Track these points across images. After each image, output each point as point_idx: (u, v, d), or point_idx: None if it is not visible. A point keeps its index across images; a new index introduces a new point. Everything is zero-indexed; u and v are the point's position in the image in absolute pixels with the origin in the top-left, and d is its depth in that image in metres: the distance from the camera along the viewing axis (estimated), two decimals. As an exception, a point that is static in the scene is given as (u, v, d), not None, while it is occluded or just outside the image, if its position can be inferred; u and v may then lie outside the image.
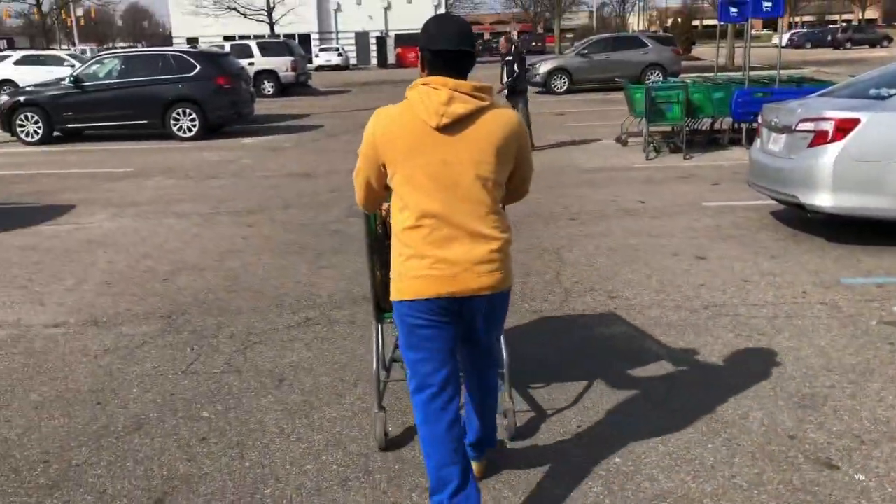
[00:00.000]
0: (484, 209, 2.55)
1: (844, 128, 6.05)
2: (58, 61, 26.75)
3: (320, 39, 53.39)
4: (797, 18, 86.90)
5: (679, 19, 42.05)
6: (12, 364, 4.44)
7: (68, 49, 56.90)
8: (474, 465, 3.03)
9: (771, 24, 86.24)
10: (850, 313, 4.77)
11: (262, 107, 22.39)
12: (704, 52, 49.95)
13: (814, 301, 5.01)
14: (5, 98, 15.36)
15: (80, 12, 70.84)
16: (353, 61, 51.71)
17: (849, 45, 56.73)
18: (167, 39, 58.47)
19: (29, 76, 25.13)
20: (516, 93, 12.48)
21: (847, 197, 6.04)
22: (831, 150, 6.05)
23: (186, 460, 3.31)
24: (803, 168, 6.21)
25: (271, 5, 33.57)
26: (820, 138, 6.15)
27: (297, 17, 40.15)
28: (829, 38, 58.41)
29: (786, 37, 64.18)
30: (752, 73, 13.62)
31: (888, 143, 5.93)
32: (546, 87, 23.37)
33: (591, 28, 64.89)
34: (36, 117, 15.08)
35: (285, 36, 32.95)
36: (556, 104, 20.33)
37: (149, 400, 3.91)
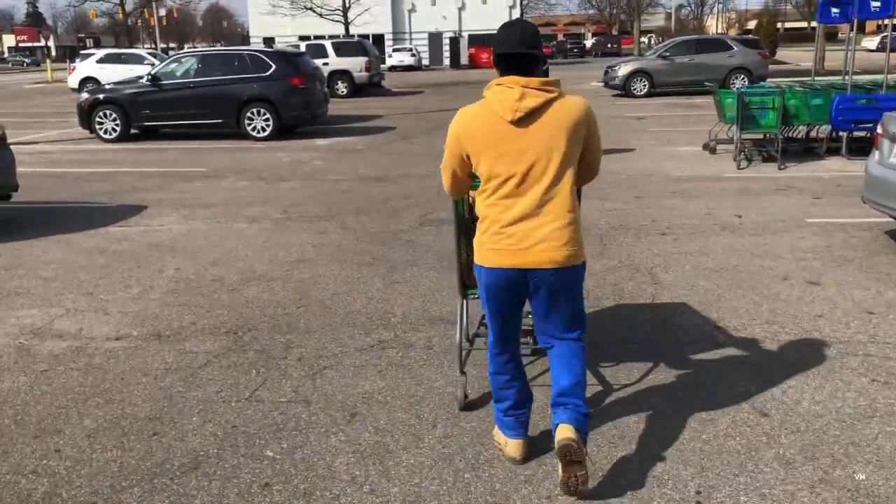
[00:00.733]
0: (554, 190, 2.88)
1: None
2: (138, 59, 27.30)
3: (394, 39, 53.46)
4: (886, 21, 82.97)
5: (762, 21, 40.45)
6: (70, 382, 4.18)
7: (151, 48, 58.50)
8: (562, 427, 2.98)
9: (858, 26, 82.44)
10: None
11: (335, 107, 22.28)
12: (788, 55, 48.08)
13: (955, 341, 4.37)
14: (86, 96, 15.53)
15: (162, 12, 72.80)
16: (425, 62, 51.61)
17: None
18: (245, 39, 59.53)
19: (111, 74, 25.69)
20: None
21: None
22: (969, 167, 5.36)
23: (246, 509, 2.94)
24: (934, 186, 5.53)
25: (347, 5, 33.60)
26: (955, 153, 5.46)
27: (372, 17, 40.20)
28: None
29: (876, 40, 61.35)
30: (844, 79, 12.73)
31: None
32: (625, 89, 22.62)
33: (669, 30, 63.30)
34: (114, 115, 15.19)
35: (360, 36, 32.94)
36: (637, 108, 19.60)
37: (209, 432, 3.57)
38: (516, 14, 55.26)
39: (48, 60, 49.75)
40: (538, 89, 2.86)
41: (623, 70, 22.95)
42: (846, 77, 13.11)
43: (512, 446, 3.22)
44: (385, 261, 6.42)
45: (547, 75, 3.48)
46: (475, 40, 49.26)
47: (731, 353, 4.31)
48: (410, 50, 48.88)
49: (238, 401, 3.88)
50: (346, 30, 34.38)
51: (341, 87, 26.47)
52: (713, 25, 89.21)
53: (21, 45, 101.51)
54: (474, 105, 2.98)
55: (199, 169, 11.78)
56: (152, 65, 24.75)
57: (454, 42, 49.89)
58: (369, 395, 3.91)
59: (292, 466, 3.26)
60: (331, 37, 30.80)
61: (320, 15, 34.21)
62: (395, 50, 49.09)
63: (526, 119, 2.85)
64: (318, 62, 25.82)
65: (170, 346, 4.65)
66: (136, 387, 4.08)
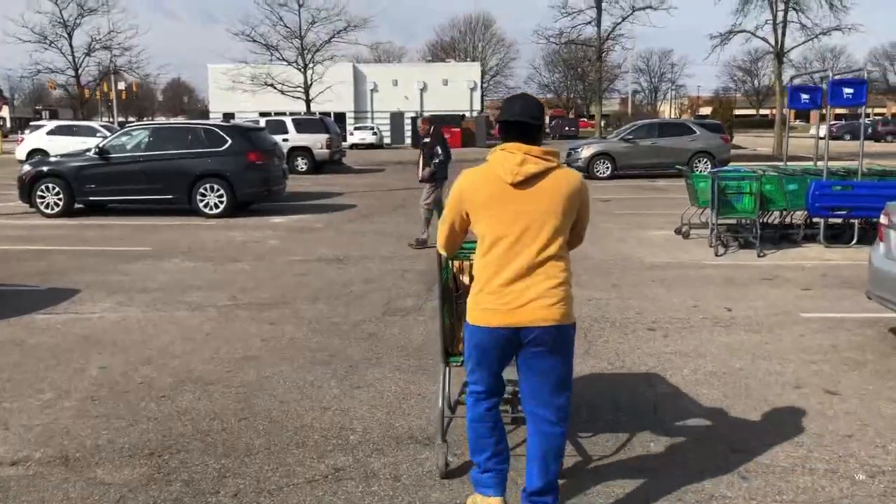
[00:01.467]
0: (547, 252, 2.99)
1: None
2: (91, 132, 26.50)
3: (356, 118, 53.56)
4: (830, 111, 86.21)
5: (718, 107, 41.38)
6: (-60, 526, 3.30)
7: (109, 121, 57.69)
8: None
9: (803, 115, 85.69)
10: None
11: (295, 183, 21.62)
12: (744, 140, 49.18)
13: None
14: (27, 168, 14.68)
15: (121, 86, 72.30)
16: (387, 140, 51.64)
17: (889, 137, 55.83)
18: (204, 114, 59.15)
19: (61, 146, 24.77)
20: (437, 180, 10.90)
21: None
22: None
23: None
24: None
25: (308, 83, 33.41)
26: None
27: (334, 96, 40.10)
28: (870, 130, 57.47)
29: (823, 128, 63.43)
30: (817, 165, 12.53)
31: None
32: (588, 171, 22.44)
33: (626, 114, 64.69)
34: (57, 189, 14.31)
35: (321, 114, 32.66)
36: (601, 190, 19.33)
37: None
38: (477, 96, 55.99)
39: (-1, 132, 48.62)
40: (539, 157, 3.02)
41: (586, 152, 22.84)
42: (817, 163, 12.95)
43: None
44: (344, 359, 5.65)
45: None
46: (437, 120, 49.43)
47: (761, 487, 3.61)
48: (372, 128, 48.90)
49: (153, 556, 3.05)
50: (308, 107, 34.11)
51: (301, 164, 25.93)
52: (667, 110, 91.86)
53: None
54: (479, 167, 3.14)
55: (143, 248, 10.94)
56: (105, 137, 23.96)
57: (415, 122, 50.08)
58: (321, 547, 3.11)
59: None
60: (292, 113, 30.44)
61: (282, 92, 33.94)
62: (356, 128, 49.05)
63: (525, 183, 3.00)
64: (278, 138, 25.43)
65: (77, 473, 3.79)
66: (23, 534, 3.22)
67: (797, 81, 13.72)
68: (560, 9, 31.24)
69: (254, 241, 11.61)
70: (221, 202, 14.34)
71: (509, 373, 3.29)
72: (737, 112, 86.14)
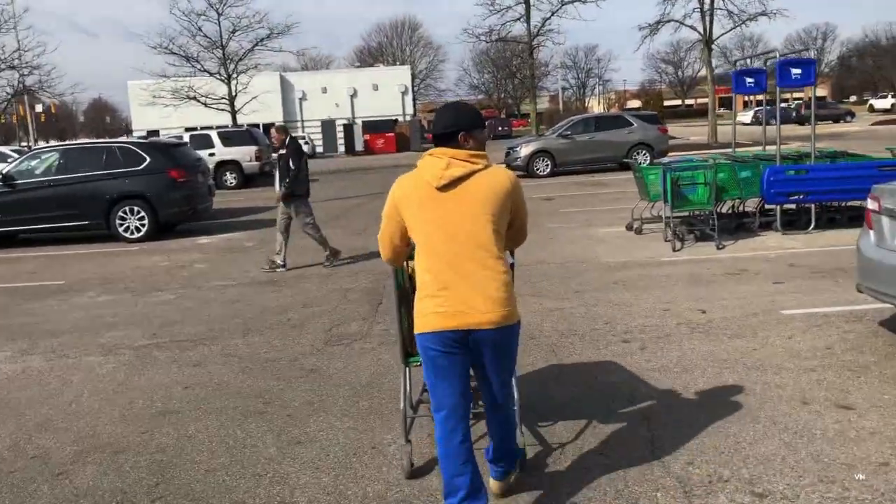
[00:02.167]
0: (483, 253, 3.01)
1: None
2: (1, 158, 24.83)
3: (286, 128, 52.21)
4: (751, 98, 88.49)
5: (649, 99, 41.55)
6: None
7: (27, 145, 55.03)
8: (494, 483, 3.46)
9: (726, 102, 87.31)
10: None
11: (223, 199, 20.62)
12: (675, 130, 49.58)
13: None
14: (-78, 201, 13.36)
15: (39, 108, 69.21)
16: (319, 149, 50.49)
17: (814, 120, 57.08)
18: (127, 133, 56.96)
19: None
20: (296, 196, 9.67)
21: None
22: None
23: None
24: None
25: (233, 94, 32.13)
26: None
27: (261, 106, 38.82)
28: (794, 114, 58.78)
29: (749, 114, 64.73)
30: (761, 150, 12.20)
31: None
32: (528, 170, 21.92)
33: (558, 111, 64.82)
34: (-42, 222, 13.07)
35: (249, 125, 31.47)
36: (543, 188, 18.81)
37: None
38: (409, 101, 55.25)
39: None
40: (464, 160, 3.06)
41: (525, 150, 22.32)
42: (766, 148, 12.61)
43: None
44: (280, 405, 4.84)
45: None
46: (369, 127, 48.62)
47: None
48: (304, 138, 47.71)
49: None
50: (234, 119, 32.82)
51: (230, 179, 24.81)
52: (595, 105, 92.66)
53: None
54: (409, 173, 3.16)
55: (55, 282, 9.89)
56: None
57: (348, 129, 49.08)
58: None
59: None
60: (218, 127, 29.21)
61: (205, 104, 32.56)
62: (287, 138, 47.74)
63: (451, 186, 3.03)
64: (204, 153, 24.29)
65: None
66: None
67: (738, 66, 13.37)
68: (488, 6, 30.78)
69: (179, 265, 10.65)
70: (143, 225, 13.30)
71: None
72: (665, 103, 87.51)
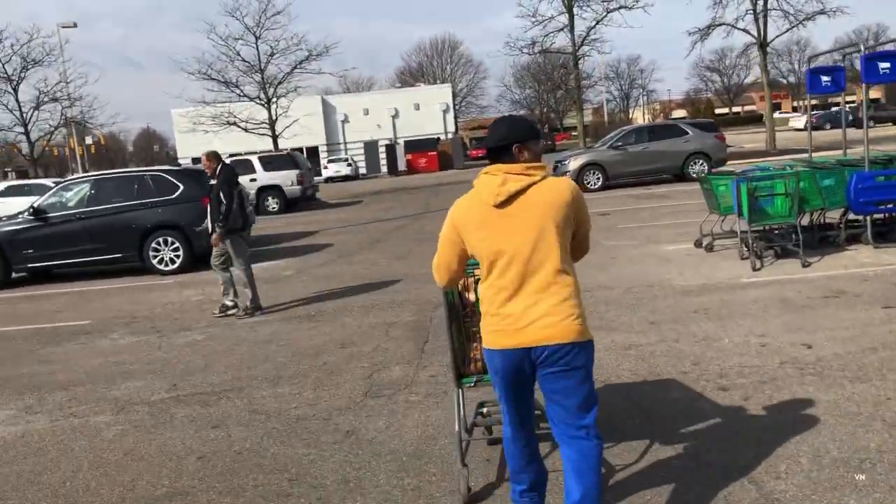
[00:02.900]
0: (548, 267, 2.89)
1: None
2: (44, 190, 24.71)
3: (328, 150, 52.00)
4: (801, 103, 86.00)
5: (700, 107, 40.18)
6: None
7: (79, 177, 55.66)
8: None
9: (776, 108, 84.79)
10: None
11: (266, 225, 20.05)
12: (728, 138, 47.97)
13: None
14: (-46, 238, 12.94)
15: (89, 140, 70.37)
16: (362, 171, 50.11)
17: (871, 123, 54.95)
18: (173, 161, 57.39)
19: (15, 207, 23.00)
20: (231, 232, 8.43)
21: None
22: None
23: None
24: None
25: (273, 118, 31.76)
26: None
27: (303, 130, 38.51)
28: (850, 117, 56.59)
29: (803, 119, 62.60)
30: (842, 154, 11.06)
31: None
32: (578, 184, 20.88)
33: (603, 123, 63.53)
34: (-11, 259, 12.60)
35: (293, 149, 31.04)
36: (596, 203, 17.80)
37: None
38: (450, 119, 54.65)
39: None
40: (520, 174, 2.95)
41: (574, 163, 21.32)
42: (847, 152, 11.46)
43: None
44: (310, 484, 3.97)
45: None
46: (412, 146, 48.08)
47: None
48: (346, 160, 47.36)
49: None
50: (275, 144, 32.44)
51: (272, 203, 24.30)
52: (639, 117, 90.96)
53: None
54: (466, 195, 3.07)
55: (81, 321, 9.25)
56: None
57: (390, 149, 48.60)
58: None
59: None
60: (260, 152, 28.84)
61: (245, 129, 32.24)
62: (330, 161, 47.49)
63: (509, 202, 2.93)
64: (246, 178, 23.86)
65: None
66: None
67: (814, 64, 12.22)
68: (529, 17, 29.90)
69: (212, 300, 9.92)
70: (178, 257, 12.67)
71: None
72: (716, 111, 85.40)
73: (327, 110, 52.83)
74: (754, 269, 8.63)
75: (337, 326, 7.68)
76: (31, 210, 12.83)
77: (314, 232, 17.63)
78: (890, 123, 53.92)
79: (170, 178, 12.98)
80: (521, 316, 2.88)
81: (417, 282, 9.72)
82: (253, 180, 24.10)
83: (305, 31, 51.97)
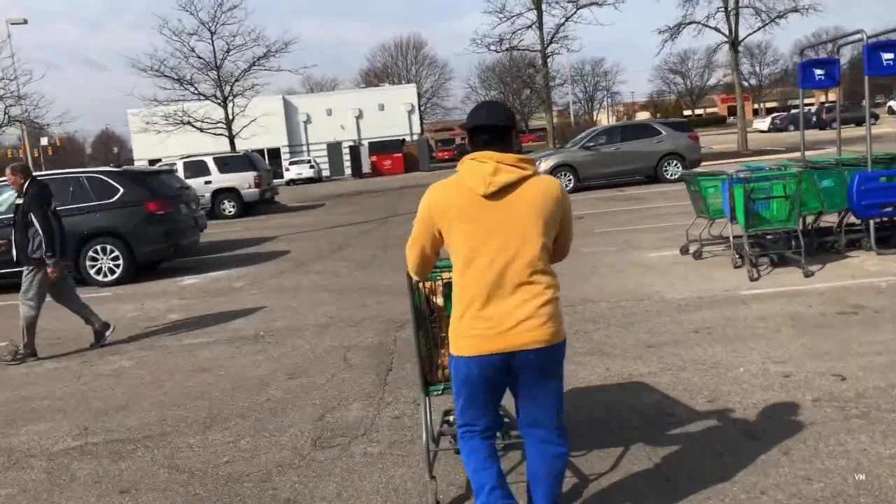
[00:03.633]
0: (531, 268, 2.73)
1: None
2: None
3: (290, 152, 50.65)
4: (761, 105, 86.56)
5: (668, 107, 39.74)
6: None
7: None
8: None
9: (732, 111, 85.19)
10: None
11: (219, 230, 18.92)
12: (693, 140, 47.67)
13: None
14: None
15: (45, 141, 68.07)
16: (326, 173, 48.85)
17: (834, 124, 55.16)
18: (129, 163, 55.49)
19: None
20: (32, 259, 7.15)
21: None
22: None
23: None
24: None
25: (231, 117, 30.43)
26: None
27: (263, 130, 37.16)
28: (815, 118, 56.78)
29: (767, 121, 62.74)
30: (841, 154, 10.33)
31: None
32: (549, 186, 20.06)
33: (570, 125, 62.85)
34: None
35: (253, 150, 29.77)
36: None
37: None
38: (416, 120, 53.66)
39: None
40: (513, 165, 2.77)
41: (545, 165, 20.46)
42: (840, 151, 10.73)
43: None
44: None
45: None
46: (376, 148, 46.97)
47: None
48: (309, 162, 46.07)
49: None
50: (232, 144, 31.07)
51: (228, 207, 23.09)
52: (603, 119, 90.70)
53: None
54: (447, 179, 2.86)
55: (-3, 342, 8.12)
56: None
57: (354, 151, 47.41)
58: None
59: None
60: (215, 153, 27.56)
61: (200, 129, 30.84)
62: (292, 163, 46.15)
63: (499, 194, 2.75)
64: (201, 181, 22.64)
65: None
66: None
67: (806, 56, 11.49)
68: (497, 14, 29.01)
69: (149, 317, 8.87)
70: (117, 266, 11.55)
71: None
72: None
73: (289, 111, 51.47)
74: (752, 280, 7.82)
75: (287, 350, 6.68)
76: (-52, 218, 11.58)
77: (271, 238, 16.55)
78: (853, 125, 54.19)
79: (108, 180, 11.85)
80: (504, 318, 2.71)
81: (382, 294, 8.76)
82: (208, 183, 22.90)
83: (263, 27, 50.30)
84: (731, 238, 8.81)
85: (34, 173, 8.15)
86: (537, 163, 20.85)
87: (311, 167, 45.37)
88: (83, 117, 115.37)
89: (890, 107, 70.22)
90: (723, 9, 27.72)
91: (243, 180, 23.25)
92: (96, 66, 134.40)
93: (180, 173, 22.50)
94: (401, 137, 49.74)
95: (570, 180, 20.29)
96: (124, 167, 12.36)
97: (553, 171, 20.25)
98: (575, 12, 28.25)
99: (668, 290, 7.69)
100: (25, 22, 35.06)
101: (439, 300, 3.46)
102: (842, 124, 37.84)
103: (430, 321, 3.48)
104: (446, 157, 57.99)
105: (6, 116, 25.69)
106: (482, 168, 2.74)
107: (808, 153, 10.40)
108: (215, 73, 30.17)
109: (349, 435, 4.47)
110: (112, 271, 11.57)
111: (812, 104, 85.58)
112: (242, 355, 6.65)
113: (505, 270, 2.72)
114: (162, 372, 6.34)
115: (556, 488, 2.93)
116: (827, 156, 10.81)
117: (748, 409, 4.32)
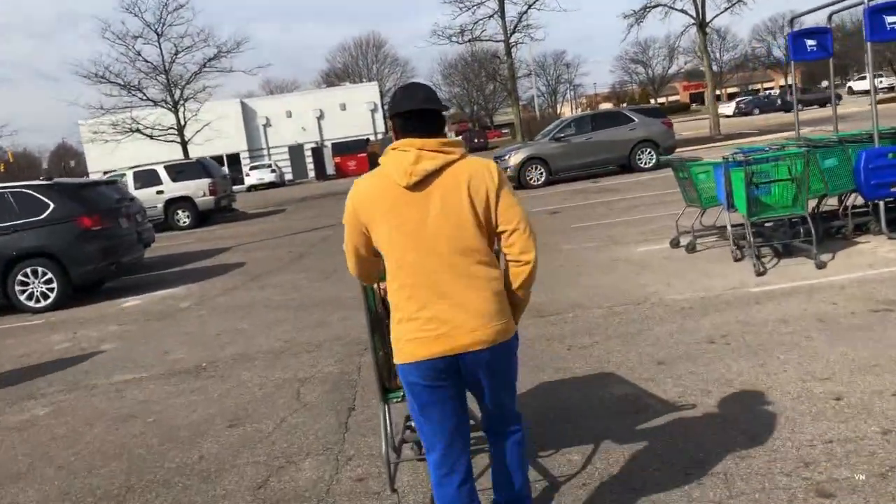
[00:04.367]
0: (467, 260, 2.51)
1: None
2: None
3: (251, 157, 49.24)
4: (723, 90, 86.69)
5: (636, 96, 39.12)
6: None
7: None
8: None
9: (698, 98, 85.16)
10: None
11: (170, 243, 17.73)
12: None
13: None
14: None
15: (-4, 157, 65.78)
16: (288, 177, 47.54)
17: (800, 106, 55.13)
18: (82, 176, 53.61)
19: None
20: None
21: None
22: None
23: None
24: None
25: (182, 123, 29.07)
26: None
27: (218, 135, 35.81)
28: (779, 101, 56.72)
29: (731, 105, 62.60)
30: (838, 131, 9.52)
31: None
32: (519, 181, 19.18)
33: (535, 118, 62.12)
34: None
35: (212, 157, 28.52)
36: (542, 200, 16.07)
37: None
38: (379, 119, 52.54)
39: None
40: (436, 150, 2.55)
41: (515, 158, 19.56)
42: (837, 129, 9.91)
43: None
44: None
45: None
46: (340, 149, 45.79)
47: None
48: (270, 166, 44.75)
49: None
50: (185, 151, 29.68)
51: (182, 218, 21.82)
52: (567, 111, 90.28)
53: None
54: (371, 172, 2.67)
55: None
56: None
57: (317, 153, 46.17)
58: None
59: None
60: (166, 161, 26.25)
61: (150, 136, 29.45)
62: (252, 168, 44.80)
63: (423, 183, 2.53)
64: (152, 190, 21.41)
65: None
66: None
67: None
68: (457, 3, 28.03)
69: (79, 348, 7.78)
70: (51, 290, 10.40)
71: None
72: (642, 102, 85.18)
73: (247, 114, 50.00)
74: (758, 275, 6.96)
75: (231, 386, 5.66)
76: None
77: (226, 249, 15.42)
78: (816, 106, 54.11)
79: (37, 194, 10.67)
80: (446, 318, 2.48)
81: (345, 308, 7.77)
82: (160, 193, 21.64)
83: (213, 26, 48.70)
84: (728, 228, 7.95)
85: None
86: (507, 156, 19.99)
87: (273, 171, 44.08)
88: (40, 132, 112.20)
89: (850, 87, 70.60)
90: (690, -10, 27.12)
91: (197, 188, 21.98)
92: (50, 79, 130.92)
93: (130, 184, 21.28)
94: (364, 137, 48.60)
95: (542, 174, 19.41)
96: (55, 179, 11.17)
97: (523, 164, 19.38)
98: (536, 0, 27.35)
99: (667, 290, 6.80)
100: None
101: None
102: (806, 105, 37.34)
103: (385, 324, 3.23)
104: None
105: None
106: (403, 157, 2.53)
107: (802, 132, 9.57)
108: (164, 76, 28.83)
109: (295, 500, 3.49)
110: (45, 296, 10.42)
111: (772, 88, 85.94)
112: (178, 395, 5.62)
113: (438, 265, 2.50)
114: (80, 422, 5.30)
115: (518, 474, 2.77)
116: (825, 134, 9.98)
117: (801, 446, 3.41)
